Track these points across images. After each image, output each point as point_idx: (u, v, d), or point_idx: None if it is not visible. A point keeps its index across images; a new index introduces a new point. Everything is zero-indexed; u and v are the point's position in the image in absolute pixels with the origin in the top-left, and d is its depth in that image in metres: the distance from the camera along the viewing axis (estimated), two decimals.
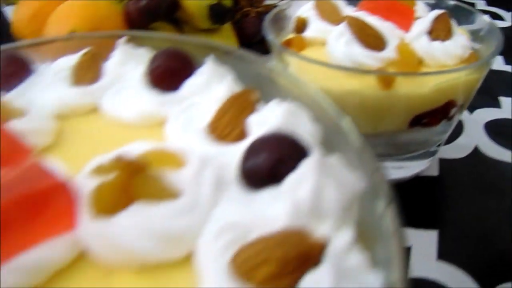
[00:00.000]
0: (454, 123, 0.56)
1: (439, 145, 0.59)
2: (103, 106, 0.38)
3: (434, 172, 0.60)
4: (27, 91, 0.39)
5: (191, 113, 0.34)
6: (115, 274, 0.25)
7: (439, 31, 0.51)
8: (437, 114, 0.51)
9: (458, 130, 0.67)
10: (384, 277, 0.23)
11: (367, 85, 0.47)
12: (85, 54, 0.40)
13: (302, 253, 0.21)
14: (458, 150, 0.64)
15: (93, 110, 0.38)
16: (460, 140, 0.66)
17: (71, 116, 0.38)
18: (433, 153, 0.59)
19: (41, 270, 0.25)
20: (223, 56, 0.37)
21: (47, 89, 0.39)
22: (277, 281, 0.21)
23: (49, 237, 0.25)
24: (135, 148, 0.28)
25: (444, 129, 0.56)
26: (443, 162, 0.61)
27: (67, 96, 0.38)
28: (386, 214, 0.24)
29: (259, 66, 0.36)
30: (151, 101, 0.35)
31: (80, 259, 0.26)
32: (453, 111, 0.53)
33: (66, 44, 0.45)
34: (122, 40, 0.41)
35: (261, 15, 0.78)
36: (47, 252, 0.25)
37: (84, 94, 0.38)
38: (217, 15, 0.70)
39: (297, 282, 0.21)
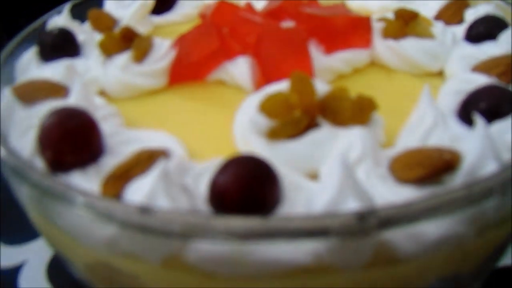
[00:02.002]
0: None
1: None
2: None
3: None
4: None
5: (418, 9, 0.54)
6: (394, 74, 0.45)
7: None
8: None
9: None
10: None
11: None
12: None
13: None
14: None
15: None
16: None
17: None
18: None
19: (352, 63, 0.45)
20: None
21: None
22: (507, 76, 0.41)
23: (356, 47, 0.46)
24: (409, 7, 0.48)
25: None
26: None
27: None
28: None
29: None
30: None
31: (371, 65, 0.46)
32: None
33: None
34: None
35: None
36: (357, 55, 0.45)
37: None
38: None
39: None
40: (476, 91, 0.37)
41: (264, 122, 0.36)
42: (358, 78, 0.45)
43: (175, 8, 0.58)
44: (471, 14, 0.50)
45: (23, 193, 0.33)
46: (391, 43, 0.45)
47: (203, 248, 0.27)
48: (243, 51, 0.44)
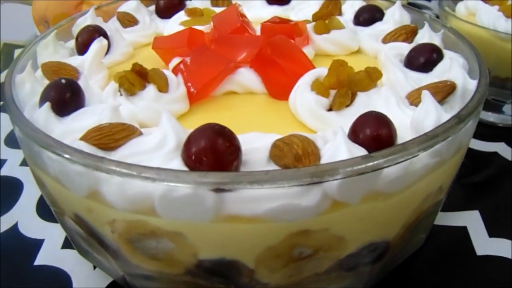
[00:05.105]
0: None
1: None
2: None
3: None
4: None
5: (302, 12, 0.74)
6: (335, 57, 0.65)
7: None
8: None
9: None
10: None
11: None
12: None
13: None
14: None
15: None
16: None
17: None
18: None
19: (310, 55, 0.63)
20: None
21: None
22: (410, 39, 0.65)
23: (302, 46, 0.64)
24: None
25: None
26: None
27: None
28: None
29: None
30: None
31: (315, 56, 0.65)
32: None
33: None
34: None
35: None
36: (308, 50, 0.64)
37: None
38: None
39: None
40: (414, 48, 0.60)
41: (320, 99, 0.51)
42: (320, 64, 0.63)
43: (112, 50, 0.65)
44: (348, 7, 0.74)
45: None
46: (326, 36, 0.65)
47: (389, 174, 0.42)
48: (239, 64, 0.58)
